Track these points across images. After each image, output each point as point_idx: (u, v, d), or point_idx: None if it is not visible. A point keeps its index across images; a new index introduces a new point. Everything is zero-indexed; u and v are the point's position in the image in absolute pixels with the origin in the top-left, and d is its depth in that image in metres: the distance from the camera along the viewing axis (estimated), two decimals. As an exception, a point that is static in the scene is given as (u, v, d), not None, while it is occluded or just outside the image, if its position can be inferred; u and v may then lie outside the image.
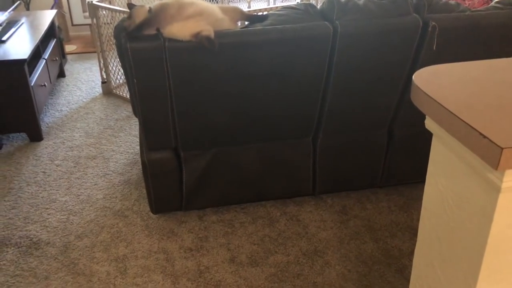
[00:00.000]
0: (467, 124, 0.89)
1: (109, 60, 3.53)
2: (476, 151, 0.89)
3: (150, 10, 1.85)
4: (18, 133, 3.03)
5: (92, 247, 2.07)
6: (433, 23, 1.86)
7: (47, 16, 3.68)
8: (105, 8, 3.22)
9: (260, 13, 2.13)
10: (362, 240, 2.07)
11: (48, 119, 3.23)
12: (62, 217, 2.27)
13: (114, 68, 3.59)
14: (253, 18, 2.00)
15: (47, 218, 2.26)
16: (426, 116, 1.09)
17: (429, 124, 1.09)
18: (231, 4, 4.07)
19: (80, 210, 2.31)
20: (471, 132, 0.88)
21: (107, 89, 3.61)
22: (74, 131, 3.06)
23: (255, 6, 4.73)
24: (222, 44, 1.77)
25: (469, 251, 1.01)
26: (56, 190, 2.47)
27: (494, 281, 1.01)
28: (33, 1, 4.54)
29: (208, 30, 1.76)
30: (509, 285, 1.02)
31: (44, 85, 3.13)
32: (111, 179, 2.55)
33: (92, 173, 2.60)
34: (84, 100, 3.52)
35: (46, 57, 3.30)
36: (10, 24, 3.37)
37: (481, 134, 0.86)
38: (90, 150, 2.83)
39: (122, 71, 3.43)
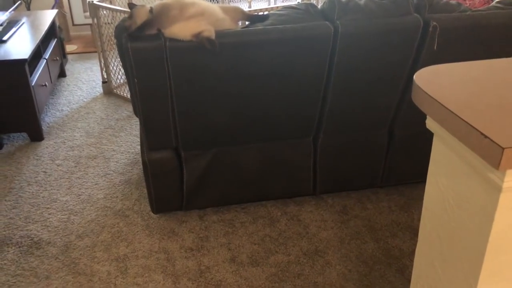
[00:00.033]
0: (468, 124, 0.89)
1: (109, 60, 3.53)
2: (477, 151, 0.89)
3: (151, 10, 1.85)
4: (19, 133, 3.04)
5: (93, 247, 2.07)
6: (434, 23, 1.86)
7: (48, 16, 3.68)
8: (106, 8, 3.22)
9: (260, 13, 2.13)
10: (362, 240, 2.07)
11: (48, 118, 3.23)
12: (63, 216, 2.27)
13: (114, 68, 3.59)
14: (254, 18, 2.00)
15: (48, 217, 2.26)
16: (427, 116, 1.09)
17: (430, 124, 1.09)
18: (232, 4, 4.07)
19: (80, 210, 2.31)
20: (472, 132, 0.88)
21: (108, 89, 3.61)
22: (75, 131, 3.06)
23: (255, 6, 4.73)
24: (223, 44, 1.77)
25: (470, 251, 1.01)
26: (57, 189, 2.47)
27: (495, 281, 1.01)
28: (34, 1, 4.55)
29: (209, 30, 1.76)
30: (510, 284, 1.02)
31: (45, 85, 3.13)
32: (112, 179, 2.55)
33: (92, 173, 2.61)
34: (85, 100, 3.52)
35: (46, 57, 3.30)
36: (11, 24, 3.38)
37: (482, 134, 0.86)
38: (91, 150, 2.83)
39: (123, 71, 3.44)
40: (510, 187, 0.88)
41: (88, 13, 4.45)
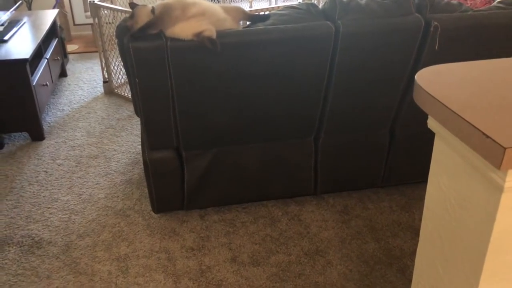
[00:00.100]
0: (470, 123, 0.89)
1: (110, 60, 3.53)
2: (479, 151, 0.89)
3: (153, 10, 1.85)
4: (20, 133, 3.04)
5: (94, 247, 2.07)
6: (435, 23, 1.85)
7: (49, 15, 3.68)
8: (107, 7, 3.22)
9: (262, 13, 2.13)
10: (363, 240, 2.07)
11: (50, 118, 3.23)
12: (63, 216, 2.27)
13: (115, 67, 3.59)
14: (255, 17, 2.00)
15: (49, 217, 2.26)
16: (429, 116, 1.09)
17: (432, 123, 1.09)
18: (233, 4, 4.07)
19: (81, 210, 2.31)
20: (474, 132, 0.88)
21: (109, 89, 3.62)
22: (76, 131, 3.06)
23: (257, 5, 4.73)
24: (224, 44, 1.77)
25: (471, 251, 1.01)
26: (58, 189, 2.47)
27: (496, 281, 1.01)
28: (35, 0, 4.55)
29: (210, 30, 1.76)
30: (511, 284, 1.02)
31: (46, 84, 3.13)
32: (113, 179, 2.55)
33: (93, 173, 2.61)
34: (86, 99, 3.52)
35: (47, 57, 3.30)
36: (12, 23, 3.38)
37: (484, 134, 0.86)
38: (92, 150, 2.83)
39: (124, 70, 3.44)
40: (512, 187, 0.88)
41: (89, 13, 4.45)
